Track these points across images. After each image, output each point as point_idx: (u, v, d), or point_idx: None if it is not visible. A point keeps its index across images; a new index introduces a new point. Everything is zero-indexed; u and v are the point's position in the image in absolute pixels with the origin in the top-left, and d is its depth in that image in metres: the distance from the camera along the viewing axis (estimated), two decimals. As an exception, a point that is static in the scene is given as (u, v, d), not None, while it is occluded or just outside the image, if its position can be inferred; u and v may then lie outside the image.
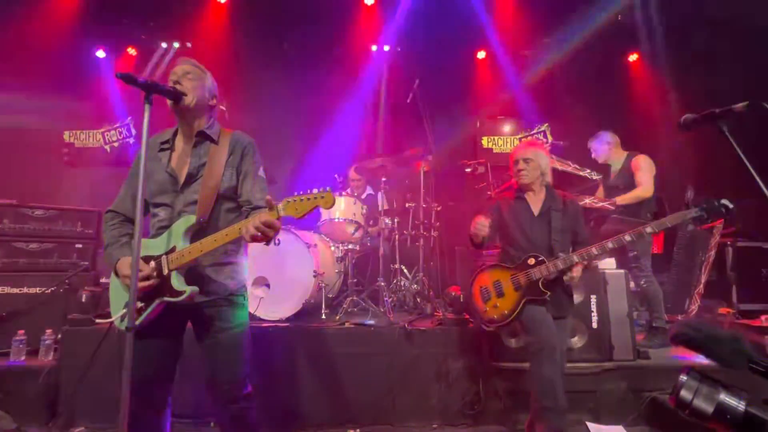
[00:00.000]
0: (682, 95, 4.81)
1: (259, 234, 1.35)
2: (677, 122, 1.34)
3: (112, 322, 1.53)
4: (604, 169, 3.38)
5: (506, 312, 2.12)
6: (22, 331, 2.73)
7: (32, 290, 2.94)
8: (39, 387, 2.54)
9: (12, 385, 2.56)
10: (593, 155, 3.33)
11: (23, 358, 2.70)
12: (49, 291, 2.96)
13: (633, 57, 5.23)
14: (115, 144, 5.13)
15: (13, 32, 4.42)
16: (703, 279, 3.64)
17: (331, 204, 1.39)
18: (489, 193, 3.62)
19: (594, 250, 2.03)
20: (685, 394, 0.72)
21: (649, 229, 2.00)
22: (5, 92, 4.71)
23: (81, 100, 5.06)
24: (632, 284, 3.12)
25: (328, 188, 1.38)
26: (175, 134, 1.65)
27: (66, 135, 5.13)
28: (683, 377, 0.74)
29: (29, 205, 3.17)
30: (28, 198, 3.34)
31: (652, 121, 4.93)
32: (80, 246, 3.27)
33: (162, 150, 1.61)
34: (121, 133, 5.13)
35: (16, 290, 2.91)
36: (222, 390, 1.53)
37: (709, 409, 0.71)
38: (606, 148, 3.24)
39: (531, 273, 2.09)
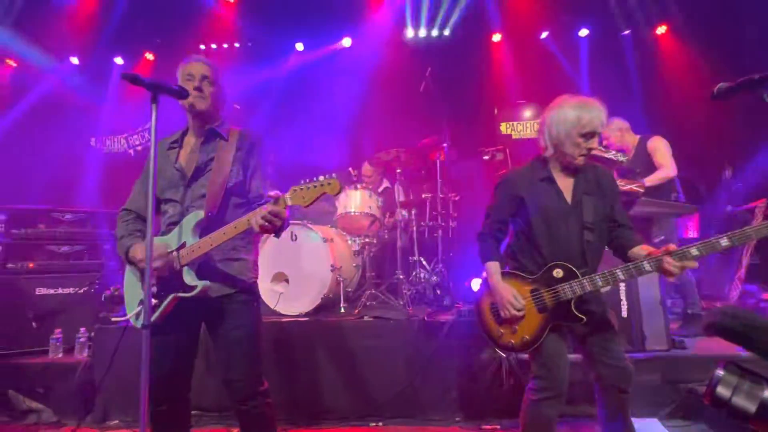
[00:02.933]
0: (714, 67, 4.48)
1: (267, 224, 1.35)
2: (711, 92, 1.22)
3: (128, 320, 1.56)
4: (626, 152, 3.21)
5: (528, 338, 1.65)
6: (58, 330, 2.86)
7: (66, 291, 3.08)
8: (75, 383, 2.66)
9: (51, 380, 2.70)
10: (605, 143, 3.19)
11: (60, 355, 2.84)
12: (81, 291, 3.09)
13: (661, 30, 4.91)
14: (139, 148, 5.30)
15: (37, 41, 4.62)
16: (745, 263, 3.41)
17: (338, 190, 1.36)
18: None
19: (647, 265, 1.52)
20: (722, 390, 0.64)
21: (725, 242, 1.47)
22: (37, 105, 4.96)
23: (104, 107, 5.24)
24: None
25: (334, 174, 1.35)
26: (183, 134, 1.68)
27: (93, 141, 5.35)
28: (720, 372, 0.66)
29: (60, 209, 3.31)
30: (59, 202, 3.50)
31: (683, 96, 4.62)
32: (108, 247, 3.40)
33: (171, 148, 1.65)
34: (143, 136, 5.29)
35: (51, 291, 3.05)
36: (237, 387, 1.53)
37: (751, 407, 0.62)
38: (619, 135, 3.14)
39: (559, 291, 1.62)
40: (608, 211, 1.71)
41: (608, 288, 1.65)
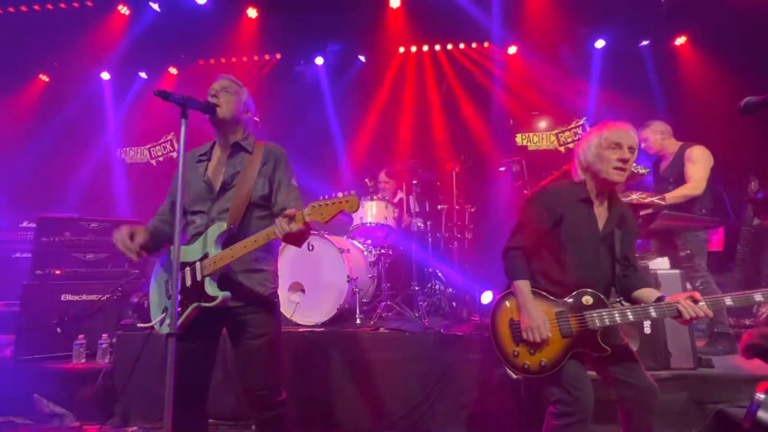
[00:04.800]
0: (737, 78, 4.40)
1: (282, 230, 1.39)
2: (738, 106, 1.21)
3: (152, 327, 1.60)
4: (647, 162, 3.14)
5: (546, 363, 1.57)
6: (81, 336, 2.94)
7: (90, 297, 3.16)
8: (97, 388, 2.72)
9: (74, 385, 2.76)
10: (644, 146, 3.09)
11: (83, 360, 2.90)
12: (105, 298, 3.18)
13: (680, 40, 4.86)
14: (161, 158, 5.46)
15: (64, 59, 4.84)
16: (774, 279, 3.28)
17: (356, 208, 1.38)
18: (525, 192, 3.47)
19: (682, 308, 1.45)
20: (763, 415, 0.62)
21: (759, 297, 1.44)
22: (67, 119, 5.18)
23: (128, 119, 5.45)
24: (688, 285, 2.87)
25: (353, 192, 1.37)
26: (212, 146, 1.74)
27: (118, 152, 5.54)
28: (760, 395, 0.64)
29: (87, 218, 3.43)
30: (85, 212, 3.62)
31: (704, 108, 4.54)
32: (131, 255, 3.48)
33: (200, 161, 1.71)
34: (165, 148, 5.46)
35: (76, 297, 3.14)
36: (257, 396, 1.56)
37: (793, 432, 0.60)
38: (660, 138, 2.99)
39: (587, 319, 1.55)
40: (627, 250, 1.70)
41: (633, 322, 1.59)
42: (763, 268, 3.41)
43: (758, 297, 1.42)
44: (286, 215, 1.38)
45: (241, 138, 1.69)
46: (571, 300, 1.61)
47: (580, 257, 1.63)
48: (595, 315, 1.56)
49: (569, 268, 1.63)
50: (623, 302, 1.66)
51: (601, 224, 1.68)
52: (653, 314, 1.52)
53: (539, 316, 1.60)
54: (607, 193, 1.70)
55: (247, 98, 1.73)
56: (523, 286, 1.66)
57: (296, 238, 1.44)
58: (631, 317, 1.54)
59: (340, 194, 1.38)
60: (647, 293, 1.61)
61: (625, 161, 1.59)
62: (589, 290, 1.60)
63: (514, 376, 1.69)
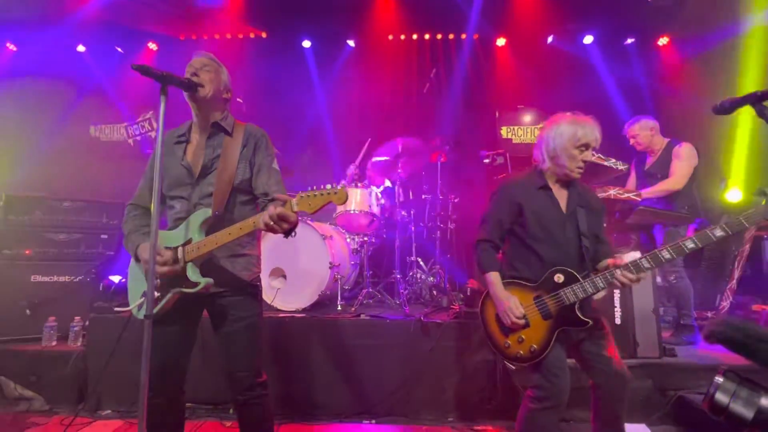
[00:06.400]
0: (715, 80, 4.54)
1: (275, 226, 1.36)
2: (713, 106, 1.25)
3: (130, 311, 1.57)
4: (628, 159, 3.22)
5: (536, 347, 1.65)
6: (53, 318, 2.85)
7: (61, 279, 3.06)
8: (68, 371, 2.65)
9: (44, 369, 2.69)
10: (632, 142, 3.16)
11: (54, 343, 2.82)
12: (77, 280, 3.07)
13: (663, 40, 4.97)
14: (138, 138, 5.26)
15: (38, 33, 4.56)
16: (737, 274, 3.46)
17: (344, 200, 1.38)
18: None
19: (645, 262, 1.58)
20: (720, 397, 0.66)
21: (690, 244, 1.56)
22: (37, 91, 4.91)
23: (104, 96, 5.20)
24: (659, 279, 2.99)
25: (342, 183, 1.40)
26: (190, 128, 1.67)
27: (92, 130, 5.30)
28: (719, 378, 0.68)
29: (58, 197, 3.29)
30: (58, 191, 3.47)
31: (685, 108, 4.69)
32: (105, 237, 3.37)
33: (178, 143, 1.65)
34: (143, 127, 5.25)
35: (47, 278, 3.04)
36: (237, 378, 1.57)
37: (748, 414, 0.64)
38: (649, 135, 3.07)
39: (562, 295, 1.65)
40: (594, 226, 1.79)
41: (604, 292, 1.68)
42: (727, 263, 3.59)
43: (690, 244, 1.55)
44: (279, 213, 1.34)
45: (220, 118, 1.64)
46: (544, 281, 1.69)
47: (548, 240, 1.72)
48: (568, 291, 1.65)
49: (540, 252, 1.72)
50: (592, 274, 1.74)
51: (563, 205, 1.78)
52: (621, 277, 1.62)
53: (507, 297, 1.69)
54: (568, 180, 1.80)
55: (227, 77, 1.67)
56: (493, 277, 1.75)
57: (282, 231, 1.40)
58: (600, 284, 1.63)
59: (329, 186, 1.37)
60: (607, 262, 1.72)
61: (585, 162, 1.74)
62: (559, 268, 1.67)
63: (513, 368, 1.77)
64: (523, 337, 1.68)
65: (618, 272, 1.61)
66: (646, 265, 1.59)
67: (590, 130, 1.71)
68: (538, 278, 1.70)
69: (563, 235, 1.73)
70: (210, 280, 1.48)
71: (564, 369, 1.65)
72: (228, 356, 1.57)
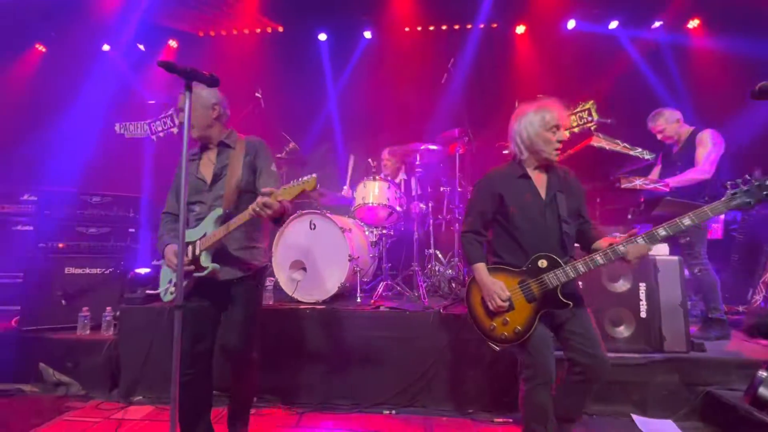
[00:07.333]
0: (748, 64, 4.31)
1: (260, 211, 1.63)
2: (751, 90, 1.19)
3: (158, 295, 1.96)
4: (656, 148, 3.12)
5: (520, 329, 1.75)
6: (86, 308, 2.99)
7: (93, 271, 3.20)
8: (102, 359, 2.78)
9: (80, 356, 2.83)
10: (660, 137, 3.07)
11: (88, 332, 2.96)
12: (107, 272, 3.20)
13: (694, 23, 4.73)
14: (161, 134, 5.40)
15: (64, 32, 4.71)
16: (770, 267, 3.31)
17: (313, 187, 1.62)
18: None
19: (621, 248, 1.67)
20: (764, 391, 0.64)
21: (687, 221, 1.61)
22: (61, 90, 5.09)
23: (127, 93, 5.35)
24: (686, 272, 2.89)
25: (314, 174, 1.63)
26: (201, 148, 1.99)
27: (117, 127, 5.47)
28: (762, 373, 0.66)
29: (88, 192, 3.42)
30: (85, 186, 3.61)
31: (716, 95, 4.47)
32: (133, 230, 3.50)
33: (191, 160, 1.96)
34: (165, 123, 5.38)
35: (79, 271, 3.17)
36: (229, 350, 1.84)
37: (788, 410, 0.62)
38: (675, 126, 2.99)
39: (546, 279, 1.73)
40: (576, 208, 1.87)
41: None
42: (760, 256, 3.44)
43: (686, 221, 1.61)
44: (264, 202, 1.62)
45: (224, 137, 1.94)
46: (529, 266, 1.78)
47: (530, 227, 1.80)
48: (551, 275, 1.73)
49: (523, 238, 1.80)
50: (574, 258, 1.80)
51: (542, 192, 1.84)
52: (600, 261, 1.70)
53: (493, 283, 1.79)
54: (547, 164, 1.87)
55: (207, 97, 1.86)
56: (479, 267, 1.85)
57: (272, 216, 1.67)
58: (581, 269, 1.71)
59: (305, 177, 1.63)
60: (601, 243, 1.81)
61: (561, 142, 1.81)
62: (543, 254, 1.76)
63: (497, 349, 1.84)
64: (508, 319, 1.78)
65: (621, 247, 1.67)
66: (622, 249, 1.67)
67: (557, 111, 1.80)
68: (522, 264, 1.79)
69: (544, 221, 1.80)
70: (216, 266, 1.77)
71: (549, 347, 1.76)
72: (225, 333, 1.85)
